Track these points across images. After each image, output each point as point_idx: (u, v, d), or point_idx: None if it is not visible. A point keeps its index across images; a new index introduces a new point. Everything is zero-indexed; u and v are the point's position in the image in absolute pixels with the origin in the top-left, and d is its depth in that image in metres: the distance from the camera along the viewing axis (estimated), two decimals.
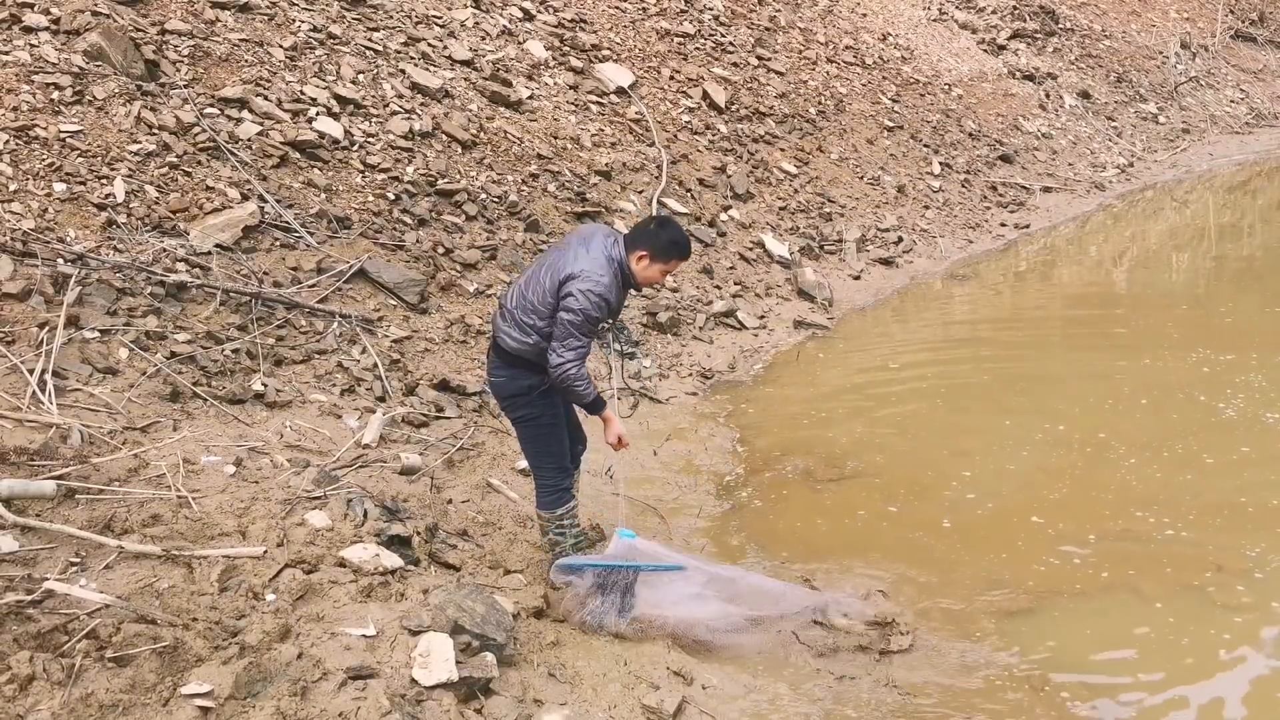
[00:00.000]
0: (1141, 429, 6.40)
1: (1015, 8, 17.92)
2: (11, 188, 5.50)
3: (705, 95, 11.13)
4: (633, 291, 4.36)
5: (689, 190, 9.67)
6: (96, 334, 4.98)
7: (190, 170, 6.29)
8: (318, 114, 7.35)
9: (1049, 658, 4.22)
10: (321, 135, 7.20)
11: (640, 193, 9.17)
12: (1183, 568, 4.85)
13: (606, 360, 6.47)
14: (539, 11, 10.68)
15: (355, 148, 7.36)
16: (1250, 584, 4.71)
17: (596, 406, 4.19)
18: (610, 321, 4.22)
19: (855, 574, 4.83)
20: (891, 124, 13.07)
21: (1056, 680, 4.06)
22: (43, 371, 4.54)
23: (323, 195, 6.84)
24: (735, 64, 12.07)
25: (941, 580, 4.78)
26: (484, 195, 7.82)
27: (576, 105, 9.74)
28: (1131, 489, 5.63)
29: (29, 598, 3.22)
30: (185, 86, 6.81)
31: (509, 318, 4.17)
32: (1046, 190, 13.78)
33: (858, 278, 9.88)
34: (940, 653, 4.24)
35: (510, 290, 4.29)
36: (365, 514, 4.24)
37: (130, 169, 6.02)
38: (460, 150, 8.06)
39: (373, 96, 7.90)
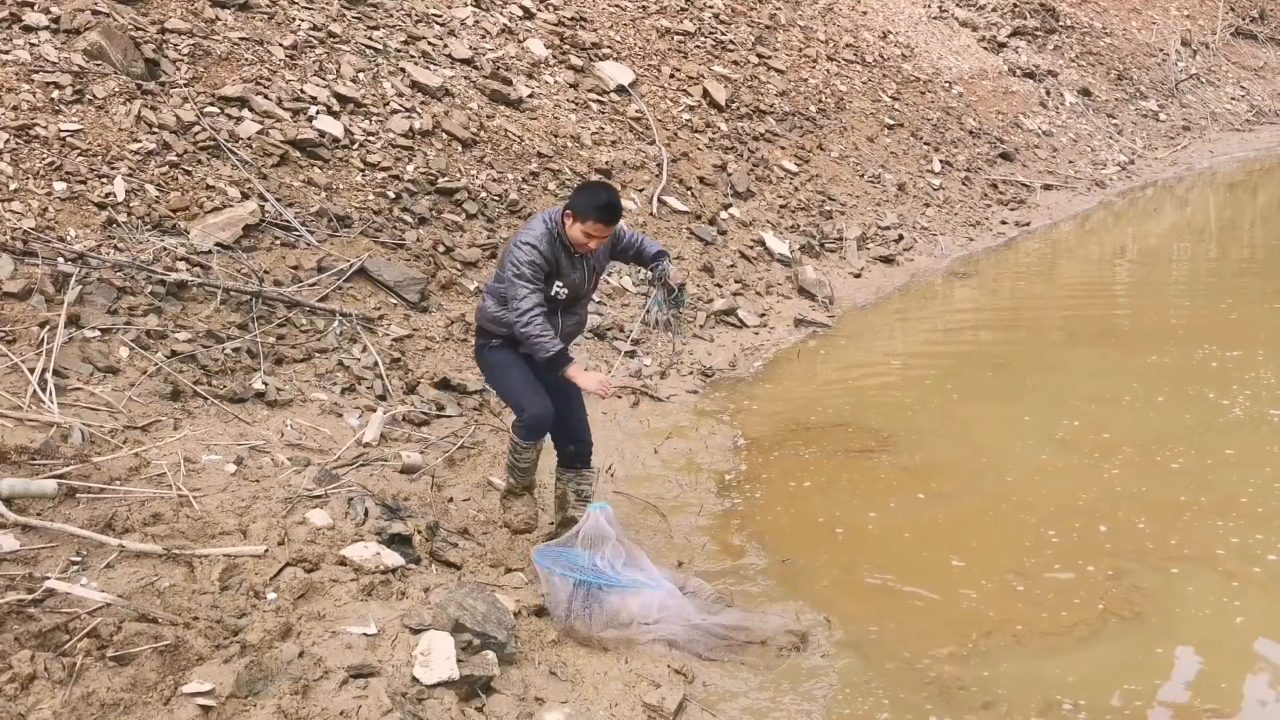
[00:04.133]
0: (1149, 425, 6.39)
1: (1015, 5, 17.93)
2: (12, 187, 5.49)
3: (705, 93, 11.13)
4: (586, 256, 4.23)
5: (689, 188, 9.67)
6: (97, 333, 4.98)
7: (190, 169, 6.28)
8: (318, 112, 7.35)
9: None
10: (322, 134, 7.20)
11: (641, 191, 9.17)
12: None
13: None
14: (539, 10, 10.67)
15: (355, 146, 7.36)
16: None
17: (557, 362, 4.09)
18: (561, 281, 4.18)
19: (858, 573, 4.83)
20: (892, 122, 13.07)
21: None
22: (43, 370, 4.54)
23: (323, 194, 6.83)
24: (735, 62, 12.07)
25: (943, 579, 4.76)
26: (484, 193, 7.81)
27: (577, 103, 9.73)
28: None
29: (30, 597, 3.22)
30: (185, 85, 6.81)
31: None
32: (1047, 188, 13.79)
33: (858, 276, 9.88)
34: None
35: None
36: (366, 512, 4.24)
37: (130, 168, 6.01)
38: (460, 149, 8.06)
39: (373, 95, 7.90)
